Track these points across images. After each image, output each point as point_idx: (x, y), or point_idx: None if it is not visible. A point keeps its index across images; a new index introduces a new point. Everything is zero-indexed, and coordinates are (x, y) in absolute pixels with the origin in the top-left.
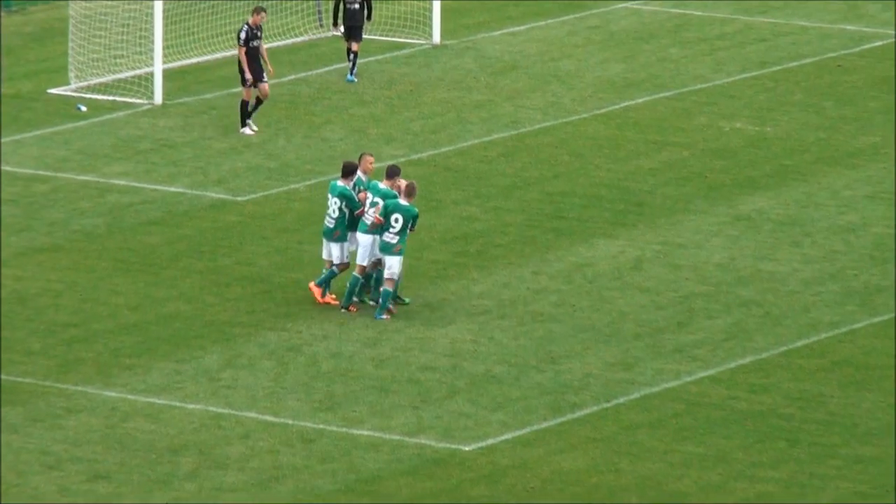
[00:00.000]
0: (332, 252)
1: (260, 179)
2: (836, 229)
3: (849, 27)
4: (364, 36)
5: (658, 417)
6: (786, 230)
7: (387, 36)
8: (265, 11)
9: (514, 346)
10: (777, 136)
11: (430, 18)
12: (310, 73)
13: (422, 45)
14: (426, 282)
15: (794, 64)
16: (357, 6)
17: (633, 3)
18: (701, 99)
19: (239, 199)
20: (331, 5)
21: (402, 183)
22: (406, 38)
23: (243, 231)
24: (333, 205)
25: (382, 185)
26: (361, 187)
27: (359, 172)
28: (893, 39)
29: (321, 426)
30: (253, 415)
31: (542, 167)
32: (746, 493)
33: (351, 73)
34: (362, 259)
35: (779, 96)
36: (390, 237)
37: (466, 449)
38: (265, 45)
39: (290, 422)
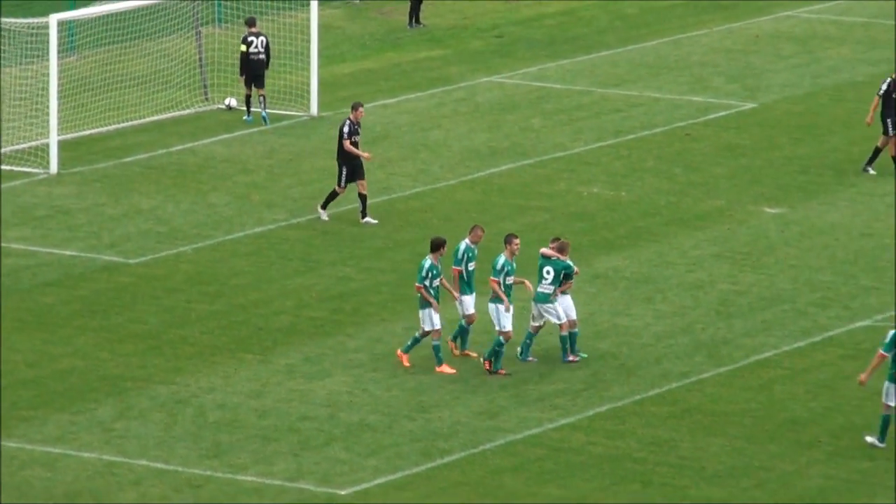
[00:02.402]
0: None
1: (150, 243)
2: (686, 286)
3: (696, 98)
4: (231, 101)
5: (521, 462)
6: (639, 287)
7: (269, 109)
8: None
9: (386, 396)
10: (631, 200)
11: (309, 92)
12: (196, 143)
13: (301, 116)
14: (305, 337)
15: (647, 133)
16: (262, 56)
17: (496, 77)
18: (560, 166)
19: (130, 261)
20: (216, 78)
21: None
22: (286, 110)
23: (135, 291)
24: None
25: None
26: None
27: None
28: (734, 110)
29: (208, 472)
30: (144, 462)
31: (412, 230)
32: None
33: (264, 111)
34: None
35: (633, 163)
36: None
37: (342, 493)
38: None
39: (180, 469)
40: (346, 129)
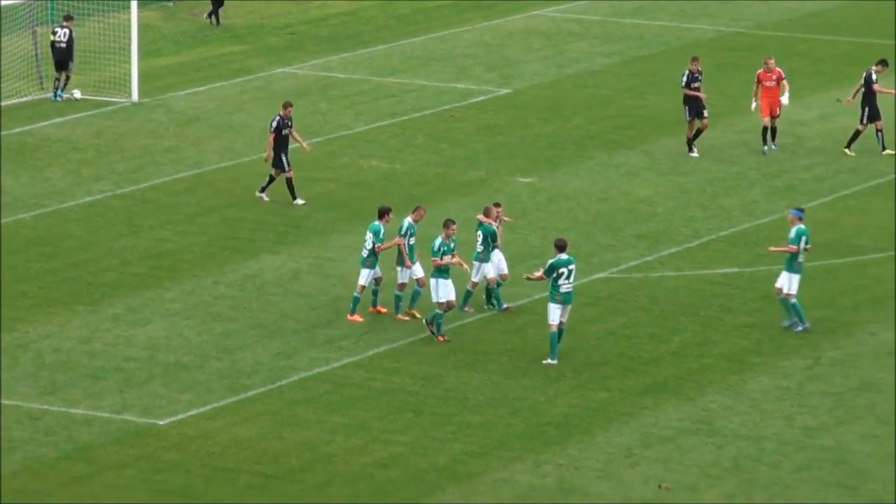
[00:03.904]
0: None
1: None
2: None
3: (459, 85)
4: (76, 93)
5: (312, 395)
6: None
7: (95, 96)
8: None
9: (198, 340)
10: (404, 172)
11: (130, 81)
12: (33, 126)
13: (123, 102)
14: (129, 290)
15: (417, 115)
16: (63, 45)
17: (289, 68)
18: (344, 143)
19: None
20: (51, 71)
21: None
22: (111, 97)
23: None
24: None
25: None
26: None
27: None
28: (492, 95)
29: (45, 407)
30: None
31: (220, 198)
32: (382, 454)
33: (63, 92)
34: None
35: (405, 140)
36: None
37: (161, 423)
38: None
39: (20, 403)
40: (273, 124)
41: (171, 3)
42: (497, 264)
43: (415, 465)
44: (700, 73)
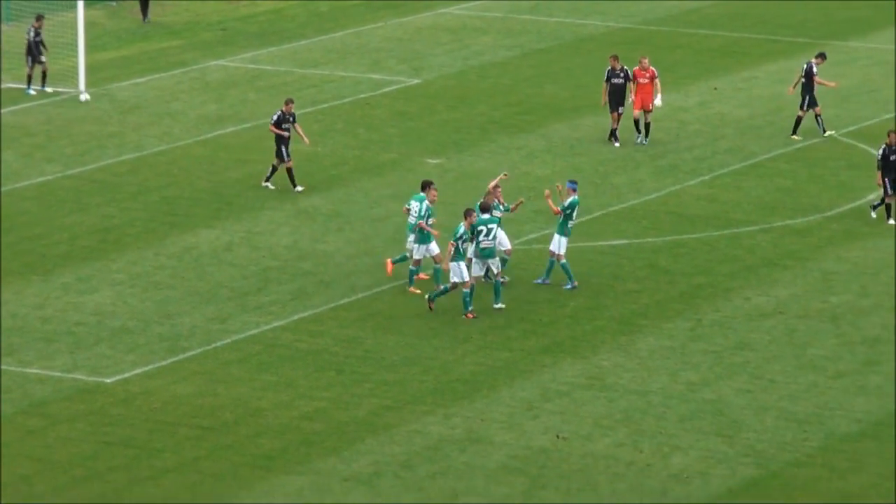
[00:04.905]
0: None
1: None
2: (368, 219)
3: (374, 76)
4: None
5: (244, 356)
6: (333, 220)
7: (46, 87)
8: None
9: (141, 307)
10: (326, 154)
11: (78, 74)
12: None
13: (71, 92)
14: (78, 262)
15: (337, 102)
16: (38, 41)
17: (221, 61)
18: (265, 130)
19: None
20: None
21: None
22: (61, 88)
23: None
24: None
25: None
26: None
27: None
28: (403, 85)
29: (3, 367)
30: None
31: (159, 179)
32: (307, 408)
33: (45, 86)
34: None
35: (327, 126)
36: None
37: (108, 381)
38: None
39: None
40: (274, 118)
41: (114, 3)
42: (503, 241)
43: (337, 418)
44: (621, 69)
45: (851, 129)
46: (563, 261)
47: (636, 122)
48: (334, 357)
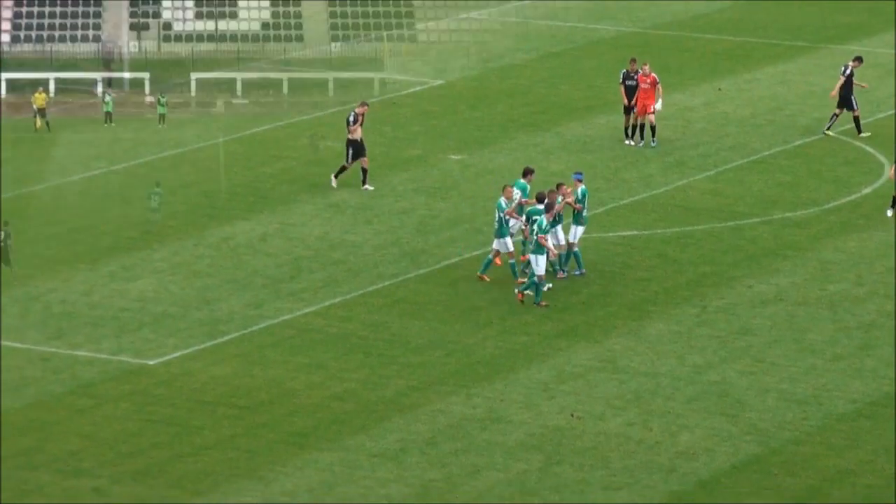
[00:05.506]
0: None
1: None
2: (395, 211)
3: (400, 77)
4: None
5: (278, 339)
6: (362, 213)
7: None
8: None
9: (181, 293)
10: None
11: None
12: None
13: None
14: (122, 251)
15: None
16: None
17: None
18: (304, 127)
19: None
20: None
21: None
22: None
23: None
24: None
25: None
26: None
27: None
28: (427, 86)
29: (53, 349)
30: (7, 343)
31: (200, 174)
32: (337, 389)
33: None
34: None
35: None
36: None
37: (151, 363)
38: None
39: (32, 347)
40: (350, 119)
41: None
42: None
43: (365, 398)
44: (636, 72)
45: (847, 127)
46: (576, 249)
47: (634, 127)
48: (363, 341)
